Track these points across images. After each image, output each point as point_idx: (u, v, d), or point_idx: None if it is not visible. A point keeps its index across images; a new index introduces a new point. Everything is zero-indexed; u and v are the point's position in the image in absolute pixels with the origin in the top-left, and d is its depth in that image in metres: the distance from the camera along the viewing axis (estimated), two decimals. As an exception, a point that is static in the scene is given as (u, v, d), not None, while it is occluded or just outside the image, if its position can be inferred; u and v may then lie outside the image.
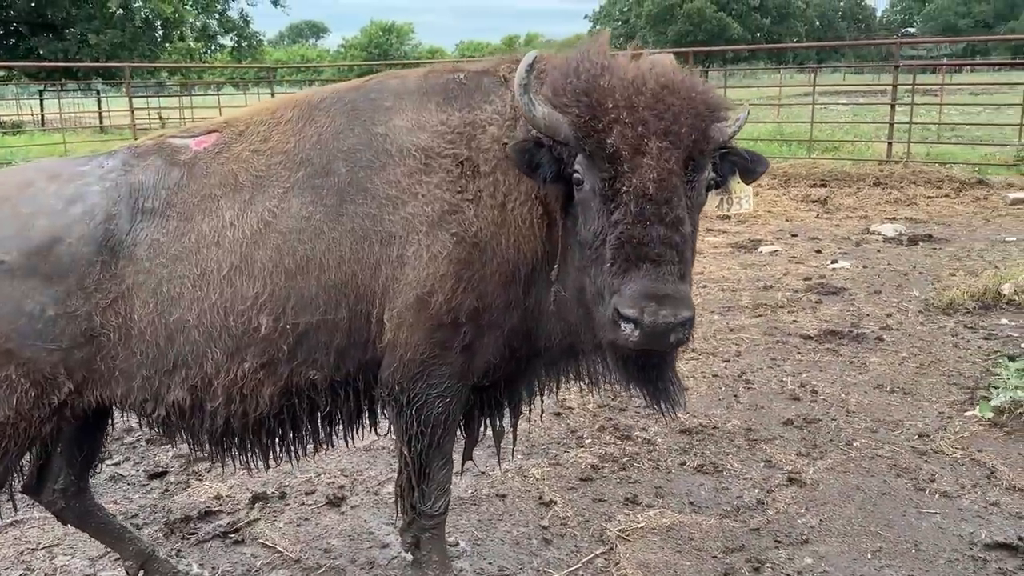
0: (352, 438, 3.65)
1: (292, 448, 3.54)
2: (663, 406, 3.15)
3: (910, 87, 21.10)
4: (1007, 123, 21.21)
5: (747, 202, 3.32)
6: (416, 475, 3.50)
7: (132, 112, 23.32)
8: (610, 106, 2.76)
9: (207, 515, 4.58)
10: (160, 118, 35.52)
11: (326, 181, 3.22)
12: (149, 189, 3.22)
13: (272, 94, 29.87)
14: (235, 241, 3.15)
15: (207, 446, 3.42)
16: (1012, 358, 6.43)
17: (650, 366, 3.04)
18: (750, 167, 3.06)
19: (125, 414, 3.53)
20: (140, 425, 5.26)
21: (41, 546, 4.30)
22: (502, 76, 3.35)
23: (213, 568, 4.09)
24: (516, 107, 3.18)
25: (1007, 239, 11.23)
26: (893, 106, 18.12)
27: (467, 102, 3.29)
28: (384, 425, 3.63)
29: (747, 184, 3.21)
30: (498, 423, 3.81)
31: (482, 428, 3.82)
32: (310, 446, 3.57)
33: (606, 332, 2.77)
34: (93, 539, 4.00)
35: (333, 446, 3.69)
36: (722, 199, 3.28)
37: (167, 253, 3.14)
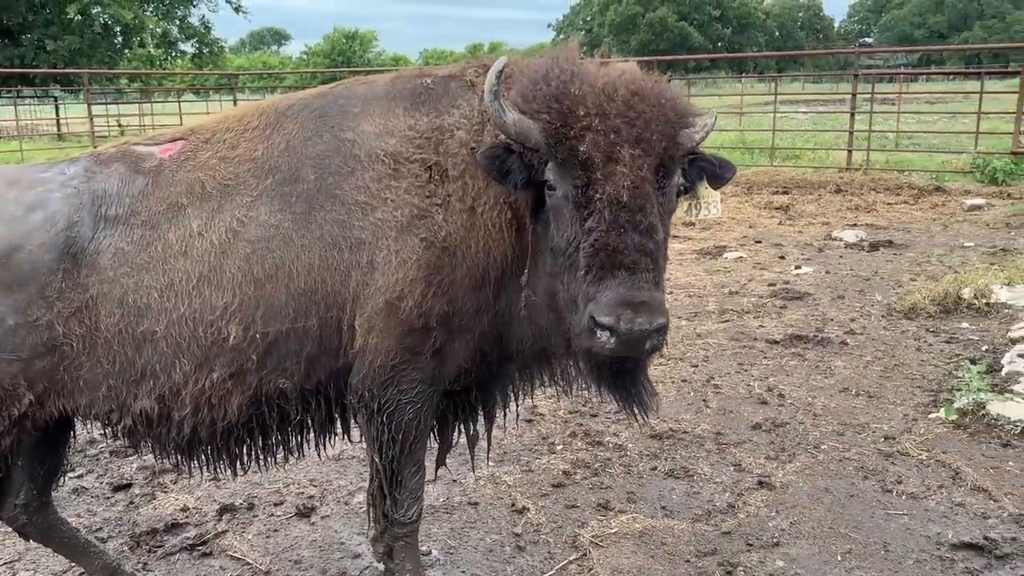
0: (324, 446, 3.61)
1: (261, 457, 3.49)
2: (636, 411, 3.15)
3: (869, 96, 21.46)
4: (962, 131, 21.68)
5: (715, 207, 3.34)
6: (388, 482, 3.46)
7: (91, 119, 22.90)
8: (582, 113, 2.76)
9: (174, 527, 4.49)
10: (119, 125, 34.93)
11: (295, 188, 3.18)
12: (113, 196, 3.16)
13: (235, 101, 29.57)
14: (203, 251, 3.10)
15: (174, 455, 3.36)
16: (974, 361, 6.55)
17: (624, 372, 3.03)
18: (718, 172, 3.08)
19: (88, 426, 3.45)
20: (104, 437, 5.20)
21: (1, 561, 4.19)
22: (469, 81, 3.34)
23: (180, 582, 4.02)
24: (484, 111, 3.18)
25: (965, 244, 11.45)
26: (852, 114, 18.43)
27: (435, 107, 3.28)
28: (356, 433, 3.59)
29: (715, 189, 3.23)
30: (472, 428, 3.78)
31: (456, 434, 3.80)
32: (280, 455, 3.52)
33: (581, 340, 2.76)
34: (56, 554, 3.90)
35: (304, 455, 3.65)
36: (691, 204, 3.30)
37: (132, 263, 3.08)
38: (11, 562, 4.19)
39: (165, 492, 4.89)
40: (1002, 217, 13.37)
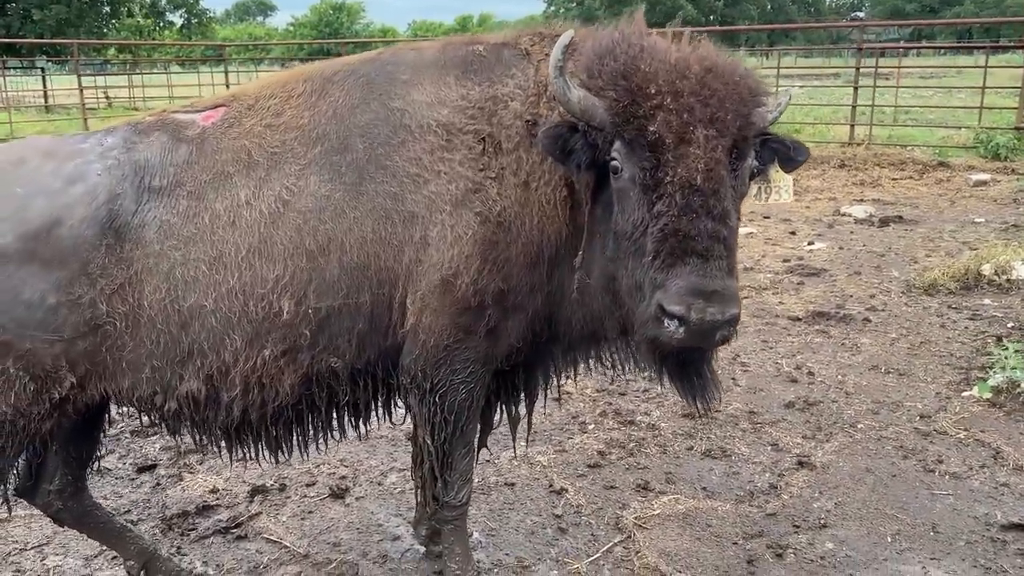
0: (367, 428, 3.50)
1: (306, 439, 3.37)
2: (699, 403, 3.03)
3: (872, 70, 21.28)
4: (959, 106, 21.60)
5: (787, 191, 3.20)
6: (439, 465, 3.36)
7: (81, 91, 22.47)
8: (652, 91, 2.61)
9: (205, 510, 4.37)
10: (107, 97, 34.44)
11: (344, 157, 3.04)
12: (155, 167, 3.01)
13: (226, 74, 29.15)
14: (252, 221, 2.96)
15: (220, 440, 3.23)
16: (1000, 338, 6.48)
17: (689, 362, 2.92)
18: (791, 155, 2.92)
19: (125, 410, 3.31)
20: (122, 416, 5.08)
21: (30, 545, 4.07)
22: (523, 49, 3.19)
23: (217, 566, 3.90)
24: (540, 82, 3.05)
25: (975, 220, 11.38)
26: (856, 88, 18.27)
27: (487, 76, 3.13)
28: (399, 414, 3.48)
29: (787, 173, 3.09)
30: (514, 409, 3.68)
31: (498, 415, 3.70)
32: (322, 437, 3.41)
33: (646, 328, 2.64)
34: (89, 538, 3.78)
35: (346, 436, 3.53)
36: (761, 188, 3.17)
37: (179, 235, 2.93)
38: (40, 546, 4.07)
39: (192, 473, 4.76)
40: (1009, 193, 13.30)
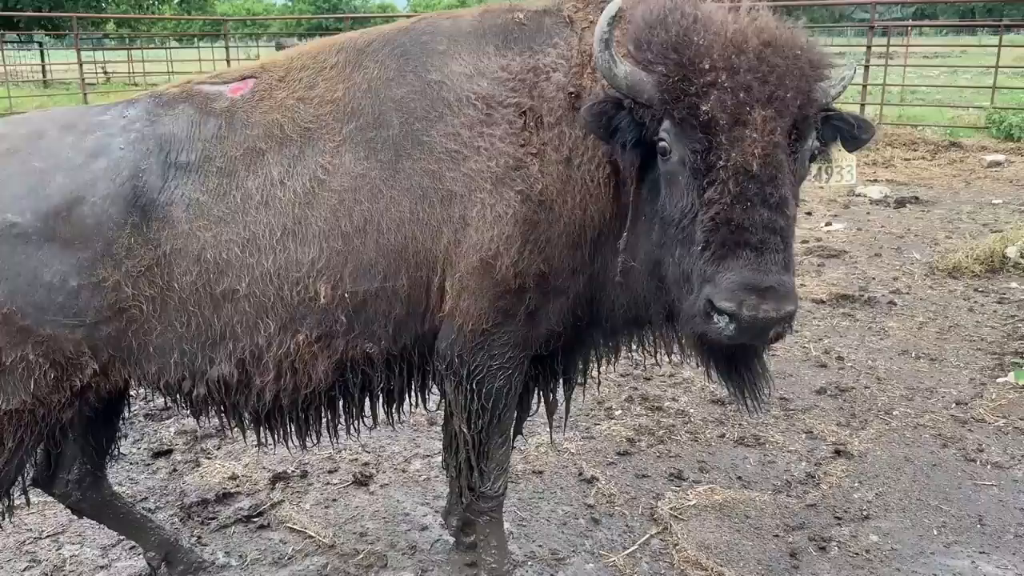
0: (400, 415, 3.35)
1: (336, 426, 3.23)
2: (748, 401, 2.88)
3: (881, 48, 20.99)
4: (966, 86, 21.35)
5: (849, 172, 3.01)
6: (475, 454, 3.22)
7: (80, 65, 22.14)
8: (706, 67, 2.42)
9: (225, 497, 4.23)
10: (105, 72, 34.02)
11: (380, 133, 2.87)
12: (182, 141, 2.83)
13: (227, 49, 28.78)
14: (286, 201, 2.80)
15: (250, 426, 3.09)
16: (1031, 322, 6.35)
17: (739, 359, 2.77)
18: (855, 133, 2.70)
19: (151, 395, 3.16)
20: (135, 399, 4.92)
21: (44, 534, 3.92)
22: (566, 16, 3.01)
23: (240, 556, 3.77)
24: (584, 52, 2.87)
25: (993, 201, 11.21)
26: (867, 67, 18.01)
27: (528, 45, 2.95)
28: (433, 402, 3.33)
29: (850, 152, 2.90)
30: (552, 395, 3.53)
31: (536, 401, 3.55)
32: (353, 424, 3.26)
33: (694, 323, 2.48)
34: (107, 528, 3.63)
35: (377, 423, 3.39)
36: (821, 169, 2.98)
37: (209, 214, 2.77)
38: (56, 534, 3.93)
39: (209, 459, 4.62)
40: (1024, 174, 13.13)
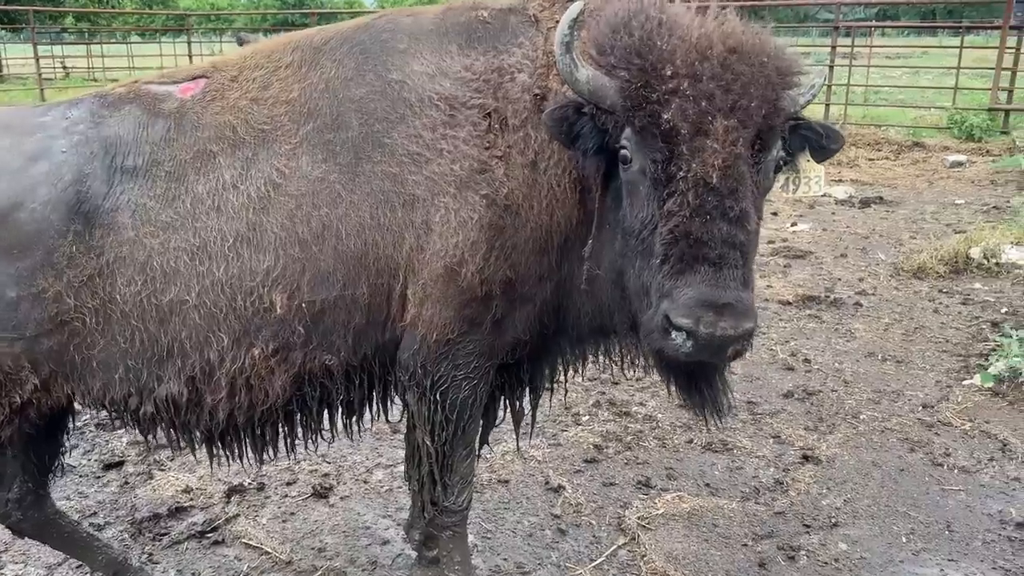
0: (359, 429, 3.23)
1: (294, 440, 3.11)
2: (708, 414, 2.80)
3: (845, 49, 21.16)
4: (928, 86, 21.60)
5: (817, 183, 2.92)
6: (439, 467, 3.11)
7: (37, 60, 21.62)
8: (668, 73, 2.33)
9: (178, 511, 4.08)
10: (64, 67, 33.25)
11: (338, 136, 2.76)
12: (129, 144, 2.70)
13: (188, 43, 28.28)
14: (239, 206, 2.67)
15: (202, 445, 2.95)
16: (996, 324, 6.38)
17: (699, 375, 2.69)
18: (824, 143, 2.63)
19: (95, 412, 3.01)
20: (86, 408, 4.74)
21: (-14, 554, 3.75)
22: (532, 15, 2.91)
23: (193, 574, 3.63)
24: (550, 53, 2.77)
25: (956, 202, 11.31)
26: (832, 68, 18.15)
27: (493, 45, 2.85)
28: (396, 413, 3.23)
29: (819, 163, 2.82)
30: (518, 404, 3.43)
31: (501, 410, 3.45)
32: (311, 438, 3.14)
33: (652, 339, 2.39)
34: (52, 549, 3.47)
35: (338, 436, 3.27)
36: (788, 180, 2.90)
37: (157, 220, 2.63)
38: (-2, 554, 3.76)
39: (162, 471, 4.46)
40: (986, 174, 13.28)
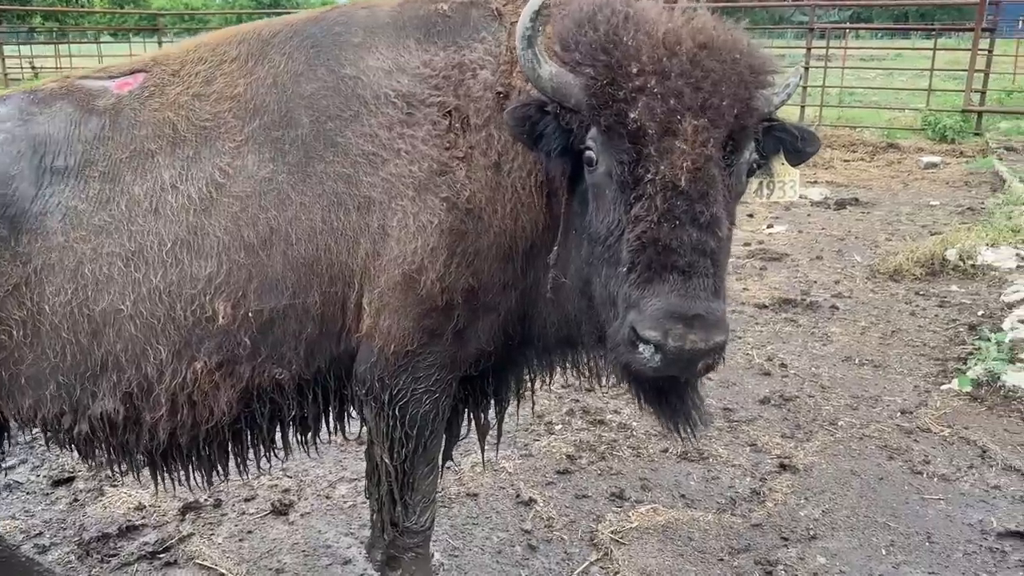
0: (316, 444, 3.06)
1: (245, 460, 2.93)
2: (680, 431, 2.66)
3: (820, 51, 21.23)
4: (902, 88, 21.71)
5: (792, 188, 2.81)
6: (399, 485, 2.95)
7: (3, 60, 21.19)
8: (634, 70, 2.19)
9: (129, 531, 3.88)
10: (33, 68, 32.68)
11: (287, 133, 2.60)
12: (60, 143, 2.52)
13: (159, 44, 27.87)
14: (179, 208, 2.50)
15: (141, 466, 2.76)
16: (973, 327, 6.30)
17: (669, 390, 2.54)
18: (799, 146, 2.50)
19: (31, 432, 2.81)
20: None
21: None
22: (494, 9, 2.75)
23: (142, 599, 3.44)
24: (513, 48, 2.62)
25: (931, 203, 11.28)
26: (807, 69, 18.16)
27: (453, 40, 2.69)
28: (354, 427, 3.07)
29: (793, 166, 2.69)
30: (483, 418, 3.27)
31: (466, 424, 3.29)
32: (264, 456, 2.97)
33: (619, 352, 2.25)
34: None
35: (291, 454, 3.10)
36: (762, 183, 2.77)
37: (90, 224, 2.46)
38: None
39: (115, 487, 4.25)
40: (960, 175, 13.30)
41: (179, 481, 2.85)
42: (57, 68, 32.32)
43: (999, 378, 5.25)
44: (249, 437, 2.84)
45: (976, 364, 5.48)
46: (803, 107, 18.08)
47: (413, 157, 2.58)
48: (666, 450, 4.64)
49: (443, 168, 2.57)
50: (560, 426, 4.92)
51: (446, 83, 2.63)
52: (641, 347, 2.11)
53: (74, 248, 2.43)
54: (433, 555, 3.65)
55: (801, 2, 21.38)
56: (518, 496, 4.19)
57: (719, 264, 2.18)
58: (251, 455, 2.93)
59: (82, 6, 39.64)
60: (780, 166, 2.61)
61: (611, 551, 3.74)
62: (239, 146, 2.55)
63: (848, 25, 28.43)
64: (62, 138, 2.51)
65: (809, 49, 18.36)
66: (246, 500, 4.14)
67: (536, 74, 2.30)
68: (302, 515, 4.03)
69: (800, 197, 11.74)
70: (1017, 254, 7.91)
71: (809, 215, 10.82)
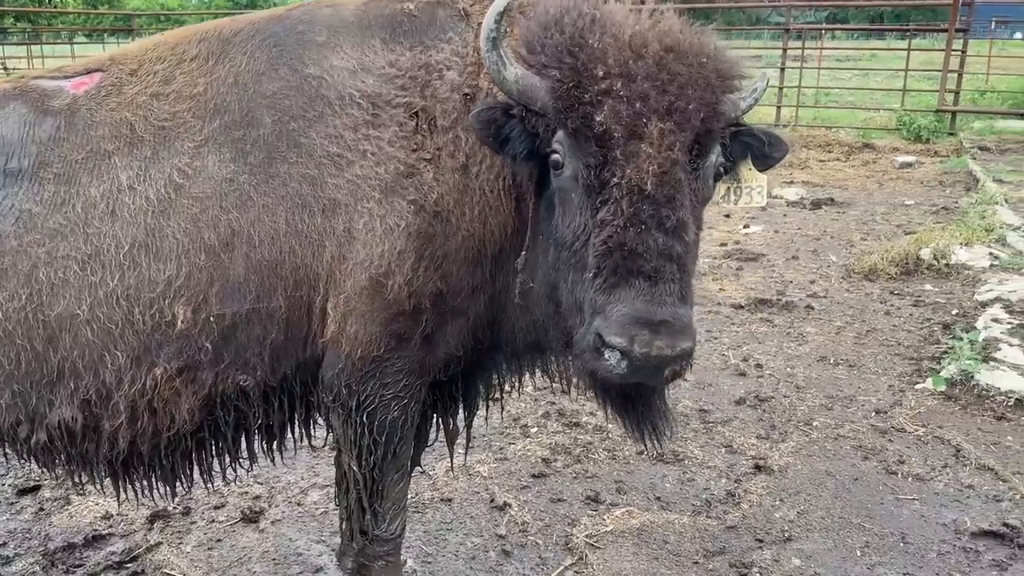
0: (282, 453, 3.00)
1: (210, 469, 2.87)
2: (648, 440, 2.64)
3: (796, 51, 21.35)
4: (877, 88, 21.89)
5: (760, 194, 2.77)
6: (368, 493, 2.90)
7: (-28, 60, 20.86)
8: (600, 73, 2.17)
9: (95, 540, 3.81)
10: (4, 68, 32.29)
11: (249, 133, 2.55)
12: (13, 144, 2.47)
13: (133, 44, 27.56)
14: (137, 210, 2.44)
15: (102, 476, 2.70)
16: (947, 326, 6.33)
17: (636, 397, 2.51)
18: (767, 151, 2.49)
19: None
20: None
21: None
22: (461, 9, 2.71)
23: (107, 610, 3.36)
24: (480, 49, 2.58)
25: (906, 203, 11.36)
26: (783, 70, 18.27)
27: (419, 39, 2.65)
28: (321, 434, 3.02)
29: (760, 172, 2.67)
30: (452, 423, 3.23)
31: (434, 429, 3.25)
32: (230, 465, 2.91)
33: (584, 359, 2.23)
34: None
35: (257, 463, 3.05)
36: (729, 189, 2.75)
37: (44, 227, 2.40)
38: None
39: (82, 495, 4.16)
40: (934, 174, 13.41)
41: (142, 491, 2.78)
42: (30, 69, 32.00)
43: (972, 377, 5.27)
44: (214, 445, 2.78)
45: (950, 363, 5.50)
46: (779, 107, 18.19)
47: (379, 159, 2.53)
48: (642, 452, 4.61)
49: (410, 170, 2.53)
50: (536, 429, 4.88)
51: (412, 84, 2.59)
52: (607, 353, 2.07)
53: (28, 252, 2.37)
54: (405, 562, 3.62)
55: (778, 3, 21.53)
56: (492, 501, 4.14)
57: (686, 269, 2.16)
58: (216, 464, 2.88)
59: (55, 7, 39.17)
60: (748, 171, 2.59)
61: (586, 555, 3.70)
62: (199, 146, 2.50)
63: (824, 26, 28.60)
64: (15, 139, 2.45)
65: (785, 50, 18.46)
66: (216, 508, 4.07)
67: (501, 76, 2.27)
68: (273, 522, 3.96)
69: (776, 197, 11.80)
70: (990, 253, 7.97)
71: (785, 215, 10.85)
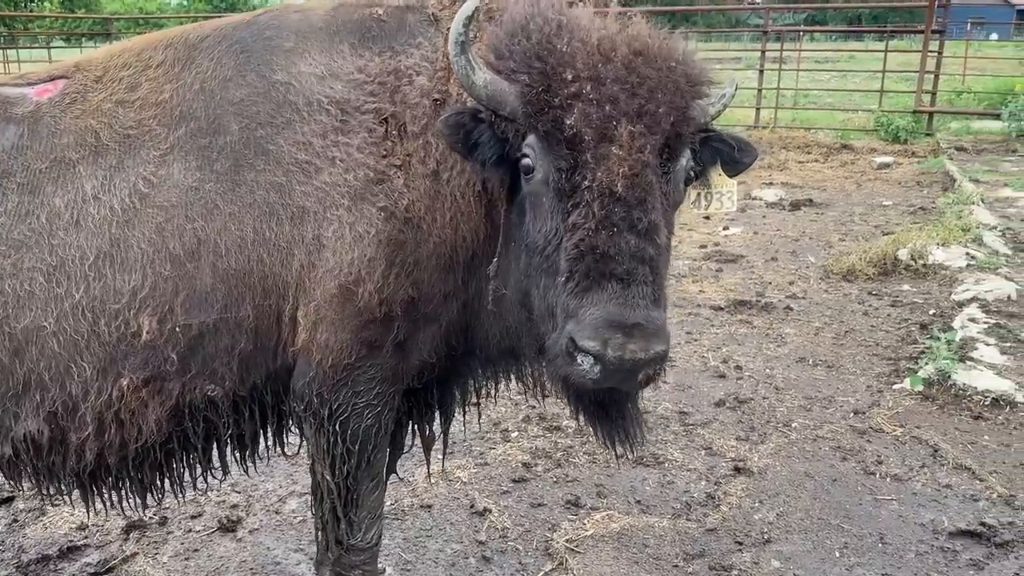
0: (253, 462, 2.97)
1: (181, 480, 2.84)
2: (619, 447, 2.63)
3: (775, 53, 21.46)
4: (855, 89, 22.05)
5: (730, 199, 2.77)
6: (342, 503, 2.87)
7: (-54, 66, 20.65)
8: (569, 77, 2.17)
9: (70, 551, 3.76)
10: (-20, 74, 32.00)
11: (215, 141, 2.52)
12: (-24, 153, 2.40)
13: (111, 49, 27.34)
14: (101, 220, 2.41)
15: (70, 489, 2.66)
16: (924, 326, 6.37)
17: (609, 403, 2.50)
18: (736, 156, 2.49)
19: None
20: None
21: None
22: (431, 14, 2.70)
23: (81, 624, 3.32)
24: (449, 55, 2.57)
25: (884, 203, 11.44)
26: (762, 71, 18.37)
27: (389, 45, 2.63)
28: (295, 441, 2.99)
29: (730, 177, 2.67)
30: (428, 430, 3.21)
31: (410, 436, 3.23)
32: (200, 477, 2.88)
33: (557, 365, 2.21)
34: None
35: (228, 472, 3.01)
36: (699, 194, 2.75)
37: (8, 238, 2.37)
38: None
39: (56, 506, 4.10)
40: (912, 175, 13.50)
41: (112, 503, 2.74)
42: (6, 74, 31.68)
43: (950, 377, 5.30)
44: (184, 456, 2.75)
45: (927, 363, 5.53)
46: (758, 109, 18.27)
47: (348, 165, 2.51)
48: (621, 456, 4.60)
49: (380, 177, 2.51)
50: (516, 433, 4.87)
51: (382, 89, 2.57)
52: (580, 358, 2.06)
53: (-8, 264, 2.33)
54: (384, 570, 3.59)
55: (757, 5, 21.66)
56: (473, 506, 4.12)
57: (658, 272, 2.15)
58: (188, 475, 2.85)
59: (32, 10, 38.81)
60: (718, 176, 2.59)
61: (566, 560, 3.69)
62: (164, 154, 2.47)
63: (803, 28, 28.81)
64: (-22, 148, 2.41)
65: (764, 52, 18.55)
66: (193, 517, 4.03)
67: (470, 81, 2.26)
68: (251, 531, 3.93)
69: (755, 198, 11.86)
70: (967, 253, 8.03)
71: (764, 216, 10.90)
